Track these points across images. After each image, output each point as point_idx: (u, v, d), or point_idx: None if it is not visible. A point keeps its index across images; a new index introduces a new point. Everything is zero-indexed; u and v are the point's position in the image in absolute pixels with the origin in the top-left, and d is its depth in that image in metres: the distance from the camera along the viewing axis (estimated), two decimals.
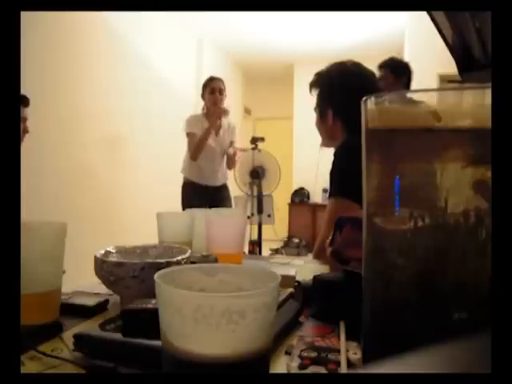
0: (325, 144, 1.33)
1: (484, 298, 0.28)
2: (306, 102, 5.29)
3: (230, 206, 3.06)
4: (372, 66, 1.29)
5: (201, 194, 2.86)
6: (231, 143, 2.97)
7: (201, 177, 2.90)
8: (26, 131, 2.07)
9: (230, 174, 3.23)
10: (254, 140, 3.39)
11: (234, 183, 3.42)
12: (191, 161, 2.82)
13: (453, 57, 1.26)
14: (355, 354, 0.45)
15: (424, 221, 0.31)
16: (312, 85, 1.29)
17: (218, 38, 5.08)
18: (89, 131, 3.20)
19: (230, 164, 3.02)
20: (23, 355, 0.46)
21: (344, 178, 1.12)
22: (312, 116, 1.31)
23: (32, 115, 2.15)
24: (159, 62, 4.12)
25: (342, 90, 1.21)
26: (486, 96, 0.28)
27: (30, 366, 0.44)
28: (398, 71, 2.21)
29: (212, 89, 2.80)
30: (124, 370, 0.42)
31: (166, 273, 0.35)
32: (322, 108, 1.27)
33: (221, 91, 2.82)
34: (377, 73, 2.31)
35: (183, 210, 2.51)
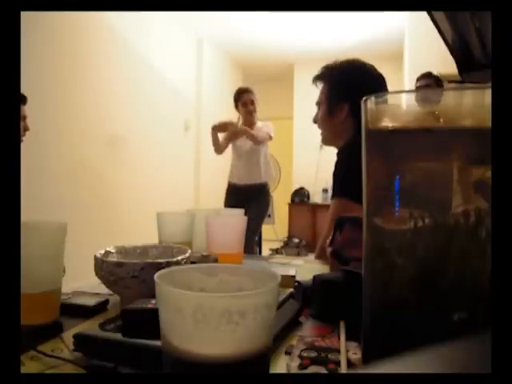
0: (326, 141, 1.28)
1: (484, 298, 0.28)
2: (306, 102, 5.28)
3: (262, 208, 3.08)
4: None
5: (235, 194, 3.09)
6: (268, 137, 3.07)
7: (234, 176, 3.15)
8: (26, 129, 2.07)
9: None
10: None
11: None
12: (232, 163, 3.19)
13: (453, 57, 1.26)
14: (355, 354, 0.45)
15: (424, 221, 0.31)
16: (319, 77, 1.24)
17: (217, 38, 5.08)
18: (89, 131, 3.20)
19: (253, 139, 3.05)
20: (23, 355, 0.46)
21: (347, 178, 1.12)
22: (312, 115, 1.28)
23: (32, 114, 2.15)
24: (159, 62, 4.12)
25: (362, 87, 1.19)
26: (485, 96, 0.28)
27: (29, 365, 0.44)
28: (439, 83, 2.49)
29: (244, 102, 3.07)
30: (124, 369, 0.42)
31: (166, 273, 0.34)
32: (332, 102, 1.21)
33: (252, 102, 3.07)
34: (420, 81, 2.55)
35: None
